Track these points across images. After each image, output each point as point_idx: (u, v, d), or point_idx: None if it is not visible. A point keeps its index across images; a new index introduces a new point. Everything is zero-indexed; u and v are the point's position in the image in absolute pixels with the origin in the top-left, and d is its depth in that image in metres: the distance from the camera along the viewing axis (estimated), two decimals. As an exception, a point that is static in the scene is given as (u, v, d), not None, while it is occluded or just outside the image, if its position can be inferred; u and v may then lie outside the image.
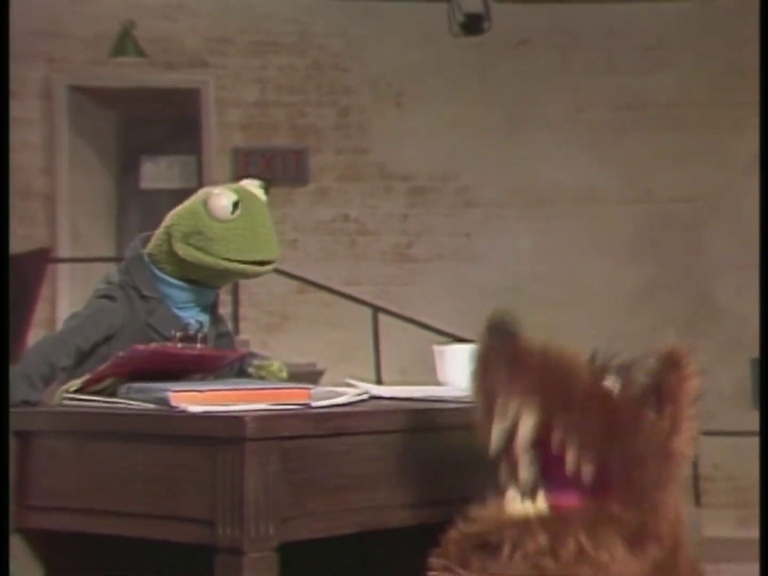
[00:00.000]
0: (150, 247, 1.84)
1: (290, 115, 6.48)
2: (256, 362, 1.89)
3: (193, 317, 1.83)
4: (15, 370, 1.73)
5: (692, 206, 6.54)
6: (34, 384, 1.70)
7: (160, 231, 1.85)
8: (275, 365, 1.89)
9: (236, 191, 1.83)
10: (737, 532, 5.74)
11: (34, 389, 1.70)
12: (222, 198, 1.80)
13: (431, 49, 6.40)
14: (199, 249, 1.78)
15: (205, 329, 1.83)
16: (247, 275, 1.82)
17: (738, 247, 6.24)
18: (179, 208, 1.85)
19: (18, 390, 1.69)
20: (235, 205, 1.80)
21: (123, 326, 1.79)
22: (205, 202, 1.81)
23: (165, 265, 1.82)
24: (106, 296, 1.81)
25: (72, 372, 1.74)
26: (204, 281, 1.83)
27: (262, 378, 1.86)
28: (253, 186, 1.87)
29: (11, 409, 1.65)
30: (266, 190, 1.87)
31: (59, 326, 1.86)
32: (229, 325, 2.02)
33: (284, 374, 1.89)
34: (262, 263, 1.81)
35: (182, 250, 1.79)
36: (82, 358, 1.76)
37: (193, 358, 1.66)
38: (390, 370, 5.64)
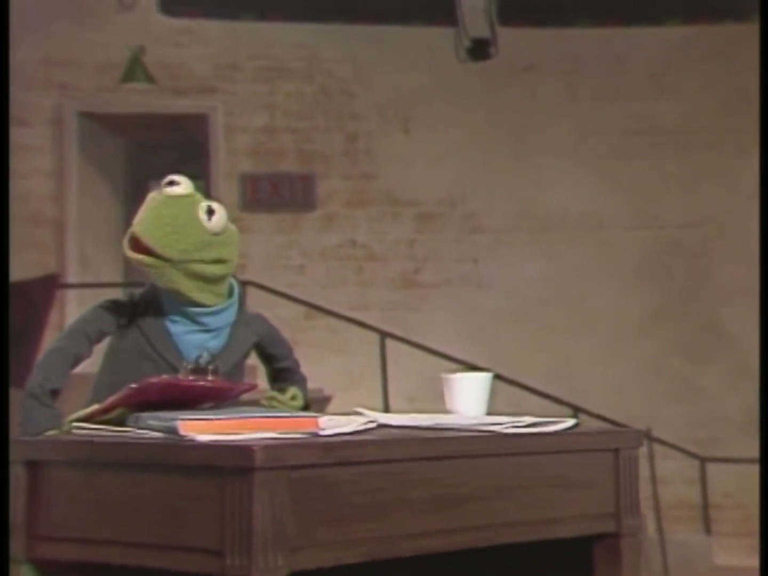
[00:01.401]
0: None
1: (298, 141, 6.52)
2: (269, 393, 1.90)
3: (183, 335, 1.84)
4: (35, 366, 1.79)
5: (699, 232, 6.54)
6: (50, 377, 1.77)
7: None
8: (289, 392, 1.90)
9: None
10: (748, 560, 5.69)
11: (49, 381, 1.77)
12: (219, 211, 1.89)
13: (438, 75, 6.43)
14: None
15: (200, 354, 1.84)
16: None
17: (745, 273, 6.23)
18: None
19: (32, 383, 1.75)
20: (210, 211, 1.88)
21: (123, 326, 1.84)
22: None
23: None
24: (113, 299, 1.88)
25: (85, 358, 1.82)
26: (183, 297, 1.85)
27: (273, 408, 1.86)
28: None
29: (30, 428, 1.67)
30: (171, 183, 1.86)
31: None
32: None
33: (298, 402, 1.89)
34: (132, 246, 1.80)
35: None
36: (92, 346, 1.83)
37: (205, 390, 1.66)
38: (397, 396, 5.63)
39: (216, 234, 1.83)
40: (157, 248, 1.77)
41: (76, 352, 1.81)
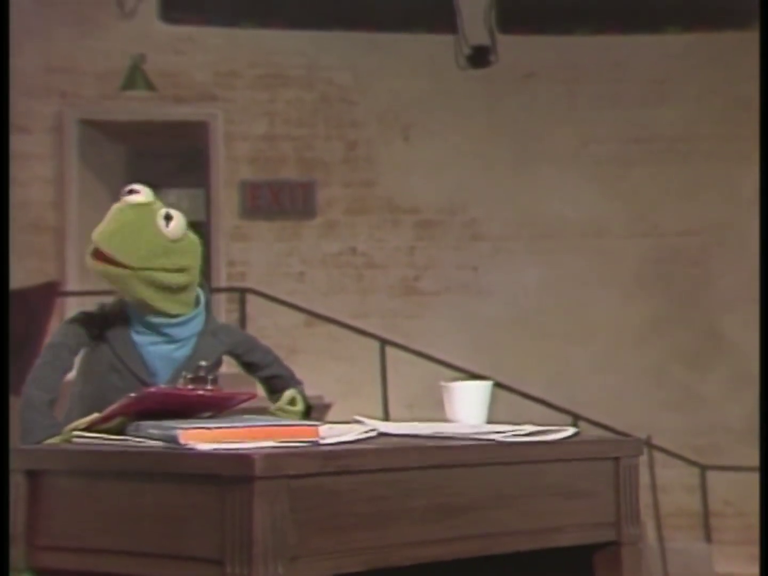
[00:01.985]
0: None
1: (298, 149, 6.52)
2: (271, 409, 1.91)
3: (148, 346, 1.86)
4: (27, 381, 1.81)
5: (699, 239, 6.54)
6: (45, 389, 1.80)
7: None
8: (285, 398, 1.90)
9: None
10: (749, 568, 5.68)
11: (45, 393, 1.80)
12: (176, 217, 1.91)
13: (438, 82, 6.44)
14: None
15: (163, 364, 1.85)
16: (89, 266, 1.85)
17: (745, 281, 6.23)
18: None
19: (28, 394, 1.78)
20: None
21: (93, 340, 1.87)
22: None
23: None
24: (84, 311, 1.92)
25: (70, 370, 1.85)
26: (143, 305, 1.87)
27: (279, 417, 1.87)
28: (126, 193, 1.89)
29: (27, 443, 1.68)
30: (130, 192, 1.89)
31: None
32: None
33: (298, 406, 1.89)
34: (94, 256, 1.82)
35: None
36: (74, 357, 1.87)
37: (204, 400, 1.67)
38: (397, 403, 5.63)
39: (174, 241, 1.84)
40: (117, 255, 1.79)
41: (63, 365, 1.84)
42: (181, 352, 1.87)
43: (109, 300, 1.93)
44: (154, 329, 1.86)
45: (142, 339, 1.87)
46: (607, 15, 5.88)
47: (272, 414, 1.89)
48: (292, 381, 1.99)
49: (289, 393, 1.91)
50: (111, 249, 1.79)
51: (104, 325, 1.87)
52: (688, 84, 6.54)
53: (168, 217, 1.84)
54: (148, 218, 1.83)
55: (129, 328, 1.87)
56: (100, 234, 1.82)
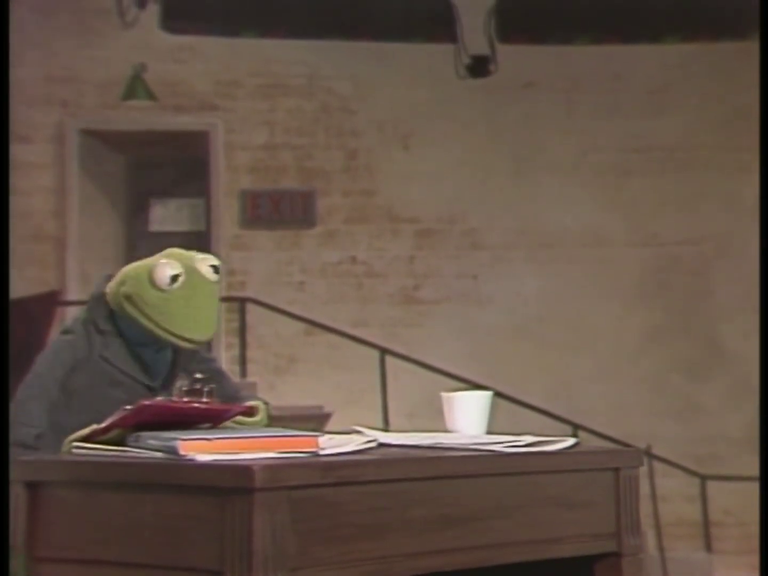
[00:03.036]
0: (109, 289, 1.92)
1: (298, 158, 6.54)
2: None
3: (153, 354, 1.89)
4: (12, 417, 1.80)
5: (698, 249, 6.55)
6: (33, 424, 1.80)
7: (115, 281, 1.92)
8: (255, 417, 1.89)
9: (184, 266, 1.88)
10: (749, 577, 5.68)
11: (34, 428, 1.79)
12: (164, 268, 1.87)
13: (438, 92, 6.46)
14: (138, 309, 1.86)
15: (164, 367, 1.87)
16: (178, 346, 1.88)
17: (744, 290, 6.23)
18: (131, 268, 1.92)
19: (18, 434, 1.77)
20: (174, 278, 1.86)
21: (81, 359, 1.87)
22: (151, 268, 1.87)
23: (119, 310, 1.90)
24: (65, 332, 1.91)
25: (56, 402, 1.83)
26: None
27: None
28: (205, 264, 1.89)
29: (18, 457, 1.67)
30: (216, 270, 1.91)
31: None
32: (221, 362, 2.06)
33: (256, 417, 1.89)
34: (190, 341, 1.87)
35: (126, 307, 1.87)
36: (61, 389, 1.85)
37: (200, 412, 1.67)
38: (397, 413, 5.63)
39: None
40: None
41: (49, 397, 1.84)
42: (166, 352, 1.92)
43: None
44: (150, 339, 1.89)
45: (143, 349, 1.88)
46: (606, 25, 5.89)
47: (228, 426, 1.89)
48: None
49: (251, 403, 1.91)
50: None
51: (94, 344, 1.87)
52: (688, 94, 6.55)
53: None
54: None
55: (127, 341, 1.88)
56: (208, 330, 1.87)
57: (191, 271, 1.88)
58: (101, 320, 1.88)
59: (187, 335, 1.85)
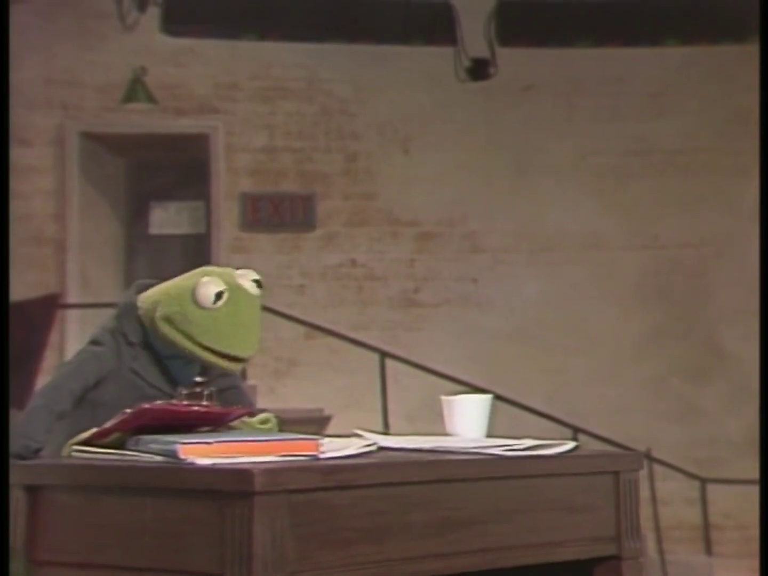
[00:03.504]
0: (144, 302, 1.87)
1: (298, 161, 6.54)
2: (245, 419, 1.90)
3: (181, 368, 1.86)
4: (18, 425, 1.77)
5: (698, 252, 6.55)
6: (34, 437, 1.75)
7: (151, 295, 1.87)
8: (259, 417, 1.89)
9: (226, 282, 1.84)
10: (749, 580, 5.68)
11: (34, 441, 1.74)
12: (208, 286, 1.82)
13: (438, 95, 6.46)
14: (178, 330, 1.82)
15: (195, 379, 1.85)
16: (219, 366, 1.85)
17: (745, 293, 6.24)
18: (171, 284, 1.88)
19: (16, 444, 1.73)
20: (218, 295, 1.82)
21: (110, 371, 1.83)
22: (193, 287, 1.83)
23: (152, 330, 1.86)
24: (94, 342, 1.86)
25: (68, 415, 1.79)
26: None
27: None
28: (246, 279, 1.87)
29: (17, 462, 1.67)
30: (259, 284, 1.88)
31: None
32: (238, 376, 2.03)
33: (269, 425, 1.88)
34: (235, 359, 1.83)
35: (163, 327, 1.83)
36: (76, 403, 1.81)
37: (200, 416, 1.67)
38: (397, 415, 5.63)
39: None
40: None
41: (60, 409, 1.80)
42: (195, 366, 1.89)
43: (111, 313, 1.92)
44: (181, 354, 1.86)
45: (172, 362, 1.86)
46: (606, 28, 5.90)
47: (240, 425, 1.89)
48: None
49: (264, 415, 1.91)
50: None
51: (124, 357, 1.84)
52: (687, 97, 6.55)
53: None
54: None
55: (156, 353, 1.85)
56: (253, 347, 1.84)
57: (235, 287, 1.83)
58: (131, 332, 1.84)
59: (233, 353, 1.80)
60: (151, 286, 1.90)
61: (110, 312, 1.92)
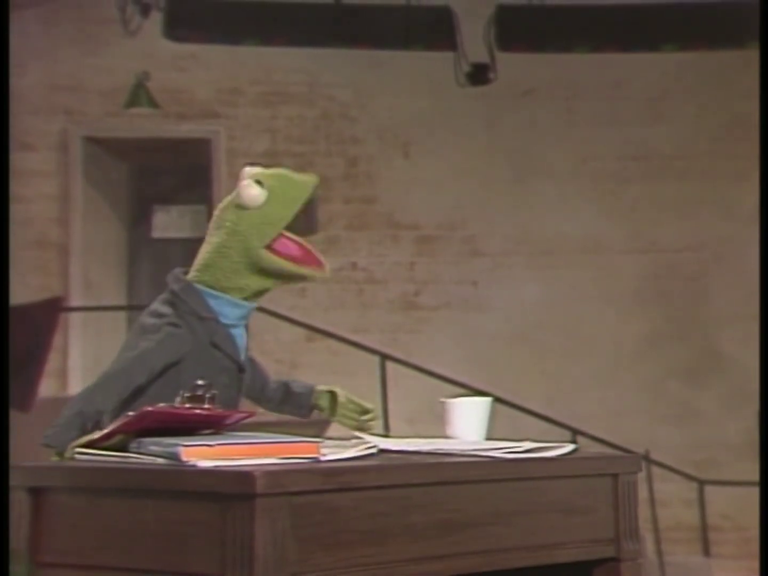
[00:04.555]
0: (199, 273, 1.90)
1: (299, 165, 6.50)
2: (319, 387, 1.95)
3: (241, 335, 1.90)
4: (91, 387, 1.79)
5: (696, 256, 6.57)
6: (104, 402, 1.78)
7: (211, 256, 1.89)
8: (342, 397, 1.92)
9: (251, 176, 1.90)
10: (747, 582, 5.69)
11: (101, 406, 1.78)
12: (247, 188, 1.88)
13: (438, 99, 6.48)
14: (246, 249, 1.86)
15: (245, 346, 1.89)
16: (313, 278, 1.93)
17: (743, 297, 6.25)
18: (210, 243, 1.90)
19: (80, 403, 1.76)
20: (258, 183, 1.89)
21: (189, 350, 1.85)
22: (235, 202, 1.88)
23: (224, 283, 1.88)
24: (170, 324, 1.86)
25: (144, 390, 1.81)
26: (264, 291, 1.90)
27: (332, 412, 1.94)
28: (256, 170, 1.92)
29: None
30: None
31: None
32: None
33: (354, 404, 1.93)
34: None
35: (262, 260, 1.88)
36: (153, 380, 1.82)
37: (201, 418, 1.68)
38: (398, 418, 5.64)
39: None
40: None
41: (138, 383, 1.82)
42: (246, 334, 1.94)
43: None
44: (244, 317, 1.90)
45: (236, 332, 1.90)
46: (605, 33, 5.91)
47: (337, 419, 1.93)
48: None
49: (342, 396, 1.95)
50: None
51: (198, 333, 1.85)
52: (686, 102, 6.57)
53: None
54: None
55: (225, 326, 1.87)
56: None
57: (264, 177, 1.90)
58: (201, 308, 1.86)
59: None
60: (188, 271, 1.92)
61: (160, 299, 1.91)
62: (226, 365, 1.87)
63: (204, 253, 1.91)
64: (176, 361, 1.84)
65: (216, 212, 1.95)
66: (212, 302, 1.87)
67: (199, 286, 1.88)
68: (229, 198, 1.92)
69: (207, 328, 1.86)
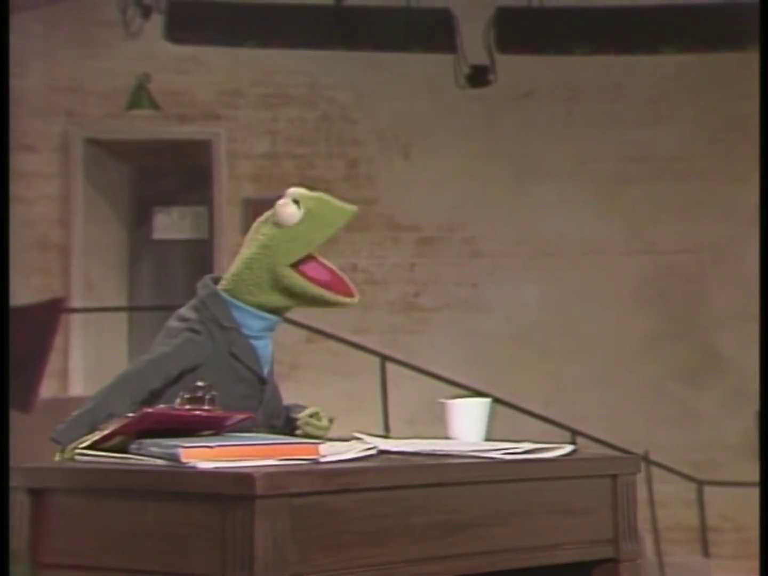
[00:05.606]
0: (227, 283, 1.90)
1: (300, 167, 6.56)
2: (301, 414, 1.93)
3: (264, 347, 1.90)
4: (104, 387, 1.78)
5: (695, 257, 6.58)
6: (115, 403, 1.77)
7: (239, 267, 1.90)
8: (324, 422, 1.91)
9: (289, 195, 1.91)
10: (747, 583, 5.69)
11: (112, 408, 1.76)
12: (284, 207, 1.89)
13: (438, 101, 6.49)
14: (273, 269, 1.86)
15: (269, 358, 1.89)
16: (337, 304, 1.92)
17: (741, 298, 6.26)
18: (243, 254, 1.91)
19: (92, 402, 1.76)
20: (296, 203, 1.89)
21: (208, 358, 1.85)
22: (271, 220, 1.89)
23: (246, 296, 1.88)
24: (190, 329, 1.86)
25: (158, 395, 1.80)
26: (285, 309, 1.90)
27: (307, 434, 1.89)
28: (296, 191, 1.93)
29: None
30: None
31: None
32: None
33: (322, 422, 1.91)
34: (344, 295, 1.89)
35: (284, 278, 1.87)
36: (168, 385, 1.82)
37: (201, 420, 1.68)
38: (398, 419, 5.65)
39: None
40: None
41: (152, 387, 1.81)
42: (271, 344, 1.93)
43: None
44: (268, 329, 1.90)
45: (260, 344, 1.89)
46: (604, 35, 5.92)
47: (299, 427, 1.92)
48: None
49: (311, 409, 1.94)
50: None
51: (218, 342, 1.85)
52: (685, 104, 6.58)
53: None
54: None
55: (247, 337, 1.87)
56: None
57: (301, 195, 1.92)
58: (223, 317, 1.86)
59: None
60: (218, 279, 1.93)
61: (190, 304, 1.91)
62: (245, 376, 1.86)
63: (235, 263, 1.92)
64: (193, 367, 1.84)
65: (254, 224, 1.95)
66: (236, 312, 1.87)
67: (225, 296, 1.88)
68: (268, 213, 1.92)
69: (227, 338, 1.86)
